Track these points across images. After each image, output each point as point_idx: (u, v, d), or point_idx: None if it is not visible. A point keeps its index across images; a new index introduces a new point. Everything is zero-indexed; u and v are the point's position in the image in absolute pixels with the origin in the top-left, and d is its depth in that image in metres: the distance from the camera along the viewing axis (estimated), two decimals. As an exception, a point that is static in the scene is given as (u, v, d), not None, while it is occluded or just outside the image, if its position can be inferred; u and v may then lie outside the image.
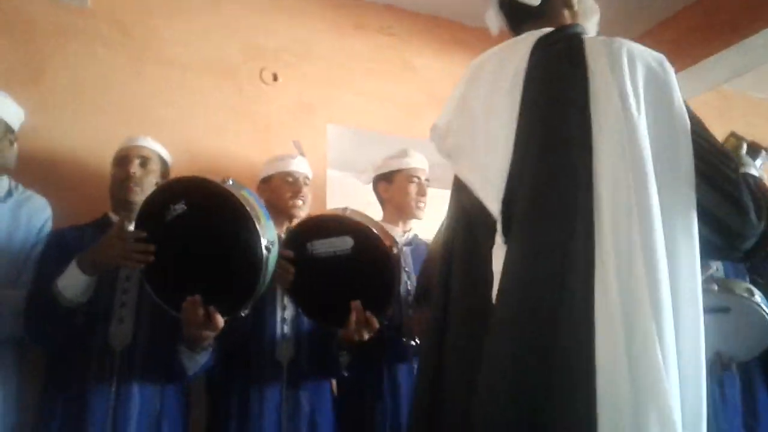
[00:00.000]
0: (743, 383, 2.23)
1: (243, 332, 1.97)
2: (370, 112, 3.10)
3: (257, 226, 1.68)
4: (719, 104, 4.14)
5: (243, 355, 2.00)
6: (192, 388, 2.05)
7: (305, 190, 2.29)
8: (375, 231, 1.86)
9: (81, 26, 2.58)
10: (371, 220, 1.95)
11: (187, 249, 1.73)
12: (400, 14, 3.32)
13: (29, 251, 1.94)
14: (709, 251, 1.14)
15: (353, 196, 2.92)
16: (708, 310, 1.11)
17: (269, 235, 1.72)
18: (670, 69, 1.19)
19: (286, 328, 2.06)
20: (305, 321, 2.07)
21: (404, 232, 2.42)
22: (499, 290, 1.12)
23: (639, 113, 1.13)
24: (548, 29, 1.32)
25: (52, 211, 2.06)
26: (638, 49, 1.20)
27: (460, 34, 3.41)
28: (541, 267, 1.09)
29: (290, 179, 2.28)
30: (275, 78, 2.91)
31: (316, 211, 2.59)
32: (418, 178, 2.41)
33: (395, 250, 1.87)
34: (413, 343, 2.04)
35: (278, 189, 2.28)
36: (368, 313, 1.84)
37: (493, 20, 1.46)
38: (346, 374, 2.04)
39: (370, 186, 2.54)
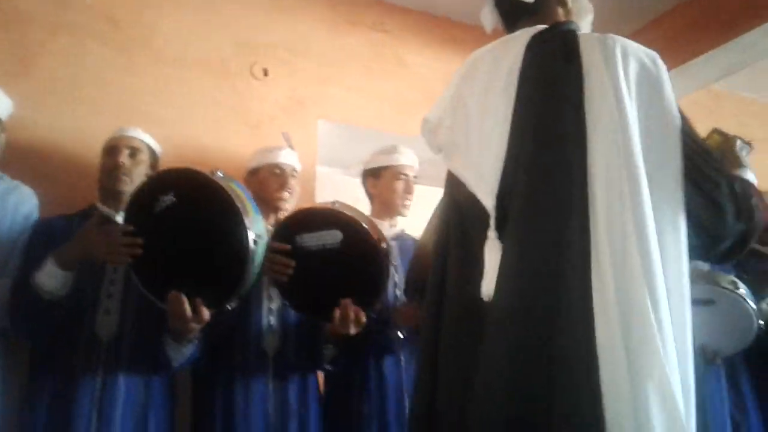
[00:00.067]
0: (728, 377, 2.24)
1: (229, 325, 1.97)
2: (361, 109, 3.10)
3: (245, 219, 1.67)
4: (710, 103, 4.15)
5: (229, 346, 2.00)
6: (178, 380, 2.05)
7: (292, 182, 2.29)
8: (364, 225, 1.86)
9: (72, 19, 2.57)
10: (361, 214, 1.95)
11: (175, 241, 1.72)
12: (394, 11, 3.31)
13: (16, 239, 1.93)
14: (688, 250, 1.15)
15: (343, 193, 2.91)
16: (693, 301, 1.11)
17: (257, 228, 1.72)
18: (663, 66, 1.20)
19: (272, 319, 2.06)
20: (292, 312, 2.07)
21: (391, 226, 2.43)
22: (495, 288, 1.13)
23: (631, 110, 1.14)
24: (542, 26, 1.33)
25: (39, 202, 2.05)
26: (632, 45, 1.21)
27: (453, 31, 3.41)
28: (538, 264, 1.10)
29: (277, 171, 2.28)
30: (266, 73, 2.90)
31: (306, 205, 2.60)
32: (406, 175, 2.41)
33: (384, 245, 1.87)
34: (400, 334, 2.04)
35: (265, 181, 2.27)
36: (356, 308, 1.83)
37: (488, 18, 1.47)
38: (330, 368, 2.05)
39: (359, 182, 2.53)
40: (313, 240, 1.86)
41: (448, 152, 1.36)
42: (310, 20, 3.08)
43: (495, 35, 1.45)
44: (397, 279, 2.25)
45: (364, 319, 1.85)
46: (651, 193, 1.10)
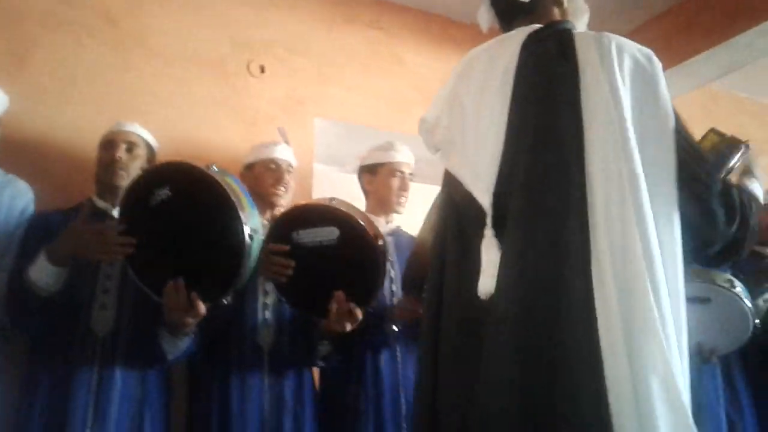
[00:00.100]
0: (724, 375, 2.25)
1: (225, 319, 1.96)
2: (358, 107, 3.10)
3: (240, 213, 1.67)
4: (706, 102, 4.16)
5: (224, 341, 2.00)
6: (174, 375, 2.05)
7: (288, 177, 2.29)
8: (361, 222, 1.86)
9: (68, 15, 2.56)
10: (358, 210, 1.95)
11: (171, 235, 1.72)
12: (391, 9, 3.31)
13: (11, 234, 1.93)
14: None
15: (339, 191, 2.91)
16: (688, 299, 1.12)
17: (253, 223, 1.72)
18: (658, 64, 1.21)
19: (268, 314, 2.06)
20: (287, 307, 2.07)
21: (387, 223, 2.42)
22: (496, 289, 1.13)
23: (627, 107, 1.14)
24: (538, 25, 1.34)
25: (35, 197, 2.05)
26: (627, 43, 1.22)
27: (450, 30, 3.41)
28: (538, 264, 1.10)
29: (273, 166, 2.28)
30: (263, 70, 2.90)
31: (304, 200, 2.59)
32: (402, 172, 2.40)
33: (381, 242, 1.87)
34: (395, 328, 2.04)
35: (261, 176, 2.27)
36: (351, 305, 1.83)
37: (484, 17, 1.47)
38: (325, 364, 2.05)
39: (356, 179, 2.53)
40: (309, 236, 1.86)
41: (445, 151, 1.36)
42: (307, 18, 3.07)
43: (491, 34, 1.45)
44: (392, 275, 2.25)
45: (359, 315, 1.85)
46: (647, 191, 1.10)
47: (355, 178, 2.55)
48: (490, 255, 1.17)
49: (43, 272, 1.74)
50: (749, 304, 2.01)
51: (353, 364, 2.14)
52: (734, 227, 1.20)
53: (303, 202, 2.01)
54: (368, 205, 2.47)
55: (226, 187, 1.68)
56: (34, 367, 1.84)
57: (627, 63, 1.18)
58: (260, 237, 1.78)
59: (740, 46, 3.14)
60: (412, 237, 2.33)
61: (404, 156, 2.43)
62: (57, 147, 2.39)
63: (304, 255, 1.86)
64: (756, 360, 2.35)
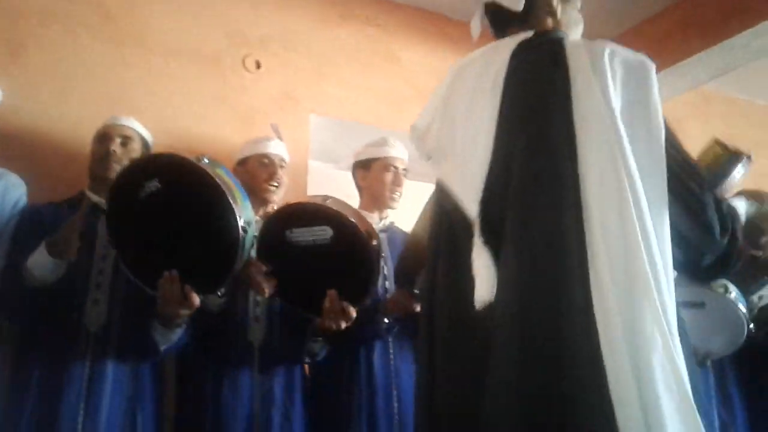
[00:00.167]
0: (716, 378, 2.27)
1: (218, 312, 1.96)
2: (353, 104, 3.09)
3: (234, 205, 1.66)
4: (700, 104, 4.18)
5: (214, 337, 1.99)
6: (166, 370, 2.05)
7: (281, 172, 2.28)
8: (355, 222, 1.86)
9: (64, 9, 2.55)
10: (352, 210, 1.95)
11: (162, 228, 1.71)
12: (387, 6, 3.30)
13: (4, 226, 1.92)
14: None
15: (334, 188, 2.90)
16: (683, 304, 1.12)
17: (246, 215, 1.71)
18: (651, 71, 1.20)
19: (258, 311, 2.06)
20: (278, 303, 2.07)
21: (381, 219, 2.42)
22: (496, 297, 1.13)
23: (618, 112, 1.14)
24: (530, 33, 1.33)
25: (28, 190, 2.04)
26: (619, 50, 1.21)
27: (446, 27, 3.40)
28: (536, 268, 1.10)
29: (266, 161, 2.28)
30: (258, 66, 2.89)
31: (298, 198, 2.59)
32: (395, 167, 2.40)
33: (375, 242, 1.87)
34: (386, 321, 2.04)
35: (253, 171, 2.27)
36: (345, 303, 1.83)
37: (477, 24, 1.47)
38: (317, 360, 2.05)
39: (350, 175, 2.53)
40: (303, 235, 1.86)
41: (436, 159, 1.37)
42: (303, 14, 3.07)
43: (484, 38, 1.45)
44: (386, 271, 2.25)
45: (353, 314, 1.85)
46: None
47: (350, 175, 2.54)
48: (482, 264, 1.17)
49: (41, 263, 1.74)
50: (744, 309, 2.03)
51: (346, 359, 2.15)
52: (726, 239, 1.20)
53: (297, 200, 2.00)
54: (362, 201, 2.46)
55: (217, 180, 1.67)
56: (25, 362, 1.84)
57: (619, 70, 1.18)
58: (253, 229, 1.77)
59: (734, 48, 3.15)
60: (405, 233, 2.33)
61: (398, 151, 2.43)
62: (51, 141, 2.38)
63: (297, 254, 1.86)
64: (749, 362, 2.37)
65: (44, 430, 1.74)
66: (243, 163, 2.32)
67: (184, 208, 1.69)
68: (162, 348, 1.84)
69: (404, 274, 1.87)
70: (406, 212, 2.38)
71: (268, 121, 2.78)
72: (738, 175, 1.53)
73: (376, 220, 2.38)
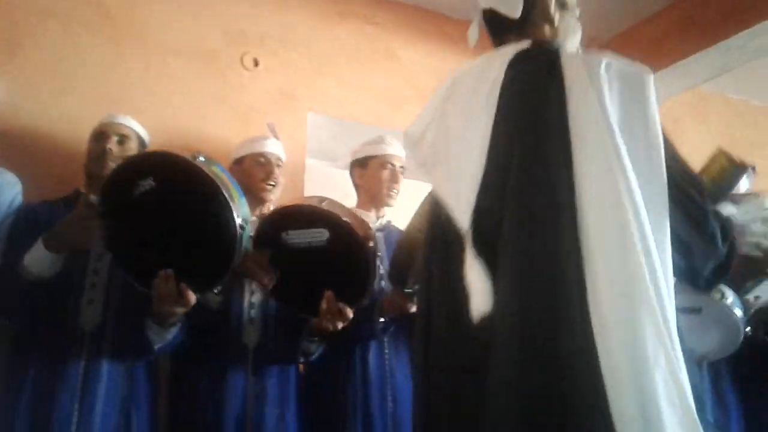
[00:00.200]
0: (711, 379, 2.28)
1: (217, 310, 1.96)
2: (351, 102, 3.09)
3: (230, 203, 1.65)
4: (697, 104, 4.18)
5: (209, 338, 1.99)
6: (161, 369, 2.04)
7: (277, 172, 2.28)
8: (351, 225, 1.85)
9: (62, 6, 2.54)
10: (349, 212, 1.94)
11: (158, 226, 1.70)
12: (386, 4, 3.30)
13: None
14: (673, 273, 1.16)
15: (332, 186, 2.91)
16: (680, 309, 1.12)
17: (243, 213, 1.70)
18: (649, 81, 1.20)
19: (254, 313, 2.05)
20: (272, 306, 2.07)
21: (378, 218, 2.42)
22: (496, 312, 1.13)
23: (615, 124, 1.14)
24: (526, 43, 1.34)
25: (24, 188, 2.04)
26: (616, 61, 1.22)
27: (445, 26, 3.40)
28: (534, 278, 1.11)
29: (262, 160, 2.27)
30: (256, 64, 2.89)
31: (294, 200, 2.58)
32: (392, 164, 2.40)
33: (371, 244, 1.87)
34: (382, 320, 2.05)
35: (250, 170, 2.26)
36: (341, 304, 1.83)
37: (475, 30, 1.47)
38: (313, 360, 2.05)
39: (348, 174, 2.53)
40: (299, 237, 1.85)
41: (429, 168, 1.38)
42: (302, 12, 3.06)
43: (484, 38, 1.46)
44: (382, 270, 2.24)
45: (349, 315, 1.85)
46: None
47: (347, 173, 2.54)
48: (476, 277, 1.17)
49: (39, 258, 1.74)
50: (740, 314, 2.04)
51: (341, 358, 2.14)
52: (726, 247, 1.21)
53: (293, 201, 2.00)
54: (359, 200, 2.46)
55: (214, 178, 1.66)
56: (20, 361, 1.83)
57: (615, 81, 1.18)
58: (249, 227, 1.76)
59: (731, 49, 3.15)
60: (402, 232, 2.33)
61: (395, 149, 2.43)
62: (49, 139, 2.37)
63: (293, 255, 1.85)
64: (746, 363, 2.38)
65: (39, 429, 1.74)
66: (239, 162, 2.32)
67: (179, 206, 1.68)
68: (157, 347, 1.83)
69: (397, 273, 1.88)
70: (403, 211, 2.38)
71: (266, 119, 2.77)
72: (743, 187, 1.54)
73: (373, 219, 2.38)
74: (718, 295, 2.02)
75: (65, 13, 2.53)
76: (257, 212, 2.20)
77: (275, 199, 2.28)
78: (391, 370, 2.16)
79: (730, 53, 3.20)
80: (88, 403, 1.78)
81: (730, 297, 2.03)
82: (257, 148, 2.30)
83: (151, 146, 2.19)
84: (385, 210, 2.46)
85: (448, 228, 1.27)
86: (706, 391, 2.21)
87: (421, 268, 1.39)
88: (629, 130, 1.15)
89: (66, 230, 1.74)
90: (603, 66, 1.19)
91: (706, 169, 1.58)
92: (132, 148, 2.07)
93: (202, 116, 2.70)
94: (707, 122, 4.25)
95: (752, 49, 3.17)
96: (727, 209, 1.43)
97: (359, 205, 2.44)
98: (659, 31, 3.41)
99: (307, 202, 1.94)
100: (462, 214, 1.22)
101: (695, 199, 1.18)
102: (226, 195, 1.65)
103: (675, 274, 1.12)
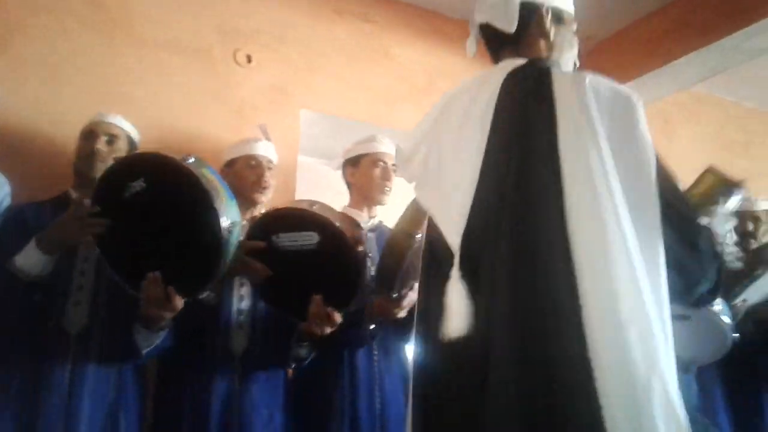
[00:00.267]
0: (698, 382, 2.30)
1: (204, 315, 1.95)
2: (345, 99, 3.08)
3: (217, 206, 1.64)
4: (689, 104, 4.20)
5: (196, 345, 1.98)
6: (149, 373, 2.04)
7: (268, 174, 2.27)
8: (342, 229, 1.85)
9: (53, -2, 2.52)
10: (339, 215, 1.94)
11: (146, 228, 1.69)
12: (381, 2, 3.28)
13: None
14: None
15: (324, 183, 2.91)
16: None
17: (231, 215, 1.68)
18: (637, 104, 1.21)
19: (242, 319, 2.04)
20: (261, 312, 2.06)
21: (370, 218, 2.41)
22: (493, 337, 1.13)
23: (606, 148, 1.15)
24: (521, 61, 1.34)
25: (14, 187, 2.02)
26: (604, 84, 1.22)
27: (440, 24, 3.39)
28: (531, 308, 1.11)
29: (253, 163, 2.27)
30: (249, 60, 2.87)
31: (286, 197, 2.57)
32: (384, 162, 2.39)
33: (361, 248, 1.86)
34: (371, 327, 2.04)
35: (241, 172, 2.26)
36: (329, 308, 1.83)
37: (473, 44, 1.48)
38: (298, 365, 2.04)
39: (341, 174, 2.53)
40: (289, 240, 1.85)
41: (420, 184, 1.39)
42: (295, 8, 3.05)
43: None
44: (372, 271, 2.25)
45: (338, 319, 1.84)
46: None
47: (339, 172, 2.54)
48: (455, 297, 1.18)
49: (32, 259, 1.73)
50: (728, 321, 2.06)
51: (329, 361, 2.13)
52: (718, 265, 1.22)
53: (284, 205, 1.99)
54: (352, 199, 2.46)
55: (201, 179, 1.65)
56: (5, 364, 1.81)
57: (605, 103, 1.19)
58: (238, 230, 1.75)
59: (725, 50, 3.16)
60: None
61: (387, 147, 2.42)
62: (38, 135, 2.35)
63: (283, 259, 1.85)
64: (732, 368, 2.41)
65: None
66: (231, 164, 2.31)
67: (168, 208, 1.67)
68: (144, 351, 1.82)
69: (384, 278, 1.87)
70: (395, 210, 2.38)
71: (259, 115, 2.77)
72: (732, 204, 1.55)
73: (365, 219, 2.38)
74: None
75: (57, 6, 2.51)
76: (248, 215, 2.19)
77: (266, 201, 2.27)
78: (380, 372, 2.16)
79: (723, 54, 3.21)
80: (74, 406, 1.77)
81: (718, 304, 2.05)
82: (248, 151, 2.29)
83: (143, 142, 2.18)
84: (377, 210, 2.45)
85: (437, 245, 1.28)
86: (694, 397, 2.23)
87: (422, 281, 1.39)
88: (619, 152, 1.15)
89: (59, 231, 1.73)
90: (592, 89, 1.19)
91: (694, 186, 1.58)
92: (121, 148, 2.05)
93: (194, 112, 2.69)
94: (699, 123, 4.26)
95: (746, 50, 3.18)
96: (703, 222, 1.44)
97: (352, 204, 2.43)
98: (652, 32, 3.42)
99: (298, 206, 1.93)
100: (452, 235, 1.23)
101: (687, 218, 1.19)
102: (214, 197, 1.64)
103: (670, 292, 1.13)
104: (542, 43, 1.39)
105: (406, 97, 3.21)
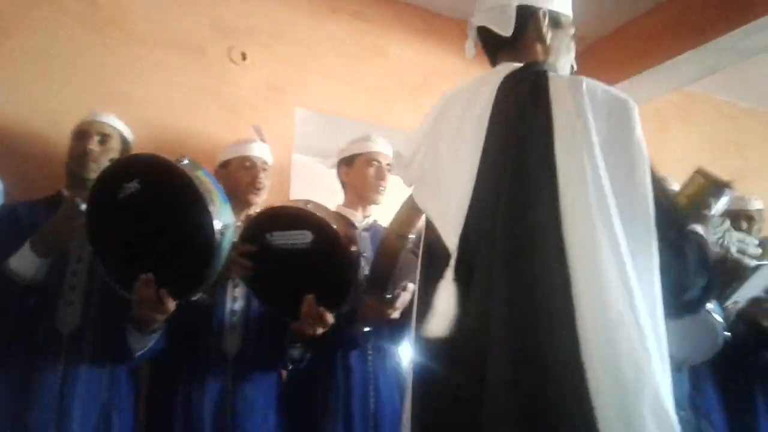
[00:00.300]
0: (691, 381, 2.31)
1: (197, 317, 1.95)
2: (339, 97, 3.08)
3: (210, 208, 1.63)
4: (684, 104, 4.22)
5: (189, 346, 1.97)
6: (142, 377, 2.03)
7: (262, 176, 2.26)
8: (335, 228, 1.84)
9: (47, -6, 2.50)
10: (333, 215, 1.94)
11: (140, 229, 1.69)
12: (376, 0, 3.28)
13: None
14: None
15: (318, 182, 2.90)
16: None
17: (224, 218, 1.68)
18: (633, 110, 1.21)
19: (235, 320, 2.04)
20: (254, 313, 2.05)
21: (364, 217, 2.41)
22: (491, 338, 1.14)
23: (600, 153, 1.15)
24: (517, 65, 1.34)
25: (7, 186, 1.99)
26: (602, 89, 1.22)
27: (434, 23, 3.40)
28: (526, 310, 1.12)
29: (247, 164, 2.26)
30: (244, 57, 2.87)
31: (280, 196, 2.57)
32: (379, 161, 2.39)
33: (354, 248, 1.86)
34: (365, 329, 2.04)
35: (235, 174, 2.25)
36: (321, 309, 1.82)
37: (471, 46, 1.48)
38: (296, 366, 2.03)
39: (335, 173, 2.52)
40: (283, 239, 1.84)
41: (418, 187, 1.40)
42: (291, 6, 3.04)
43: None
44: (366, 271, 2.24)
45: (330, 320, 1.84)
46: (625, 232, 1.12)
47: (334, 170, 2.53)
48: (444, 299, 1.18)
49: (26, 262, 1.72)
50: (720, 319, 2.06)
51: (323, 361, 2.13)
52: (706, 274, 1.23)
53: (278, 204, 1.99)
54: (346, 198, 2.46)
55: (196, 181, 1.64)
56: None
57: (601, 108, 1.19)
58: (232, 233, 1.75)
59: (719, 49, 3.17)
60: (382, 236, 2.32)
61: (380, 146, 2.42)
62: (31, 132, 2.34)
63: (277, 257, 1.85)
64: (725, 366, 2.41)
65: (16, 432, 1.72)
66: (225, 165, 2.30)
67: (162, 210, 1.67)
68: (137, 354, 1.81)
69: (377, 279, 1.87)
70: (390, 210, 2.37)
71: (254, 113, 2.77)
72: (722, 205, 1.55)
73: (359, 218, 2.38)
74: None
75: (51, 4, 2.50)
76: (243, 216, 2.18)
77: (261, 203, 2.26)
78: (374, 373, 2.15)
79: (718, 54, 3.21)
80: (66, 406, 1.76)
81: (710, 303, 2.05)
82: (243, 152, 2.28)
83: (137, 140, 2.17)
84: (371, 209, 2.45)
85: (437, 247, 1.28)
86: (686, 395, 2.24)
87: (420, 282, 1.39)
88: (614, 157, 1.16)
89: (52, 231, 1.73)
90: (588, 94, 1.19)
91: (684, 188, 1.59)
92: (114, 148, 2.04)
93: (188, 110, 2.68)
94: (693, 122, 4.28)
95: (740, 50, 3.19)
96: (694, 229, 1.44)
97: (346, 203, 2.43)
98: (647, 31, 3.42)
99: (292, 204, 1.93)
100: (449, 237, 1.23)
101: (677, 225, 1.20)
102: (207, 200, 1.63)
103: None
104: (539, 47, 1.39)
105: (402, 95, 3.22)
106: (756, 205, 2.93)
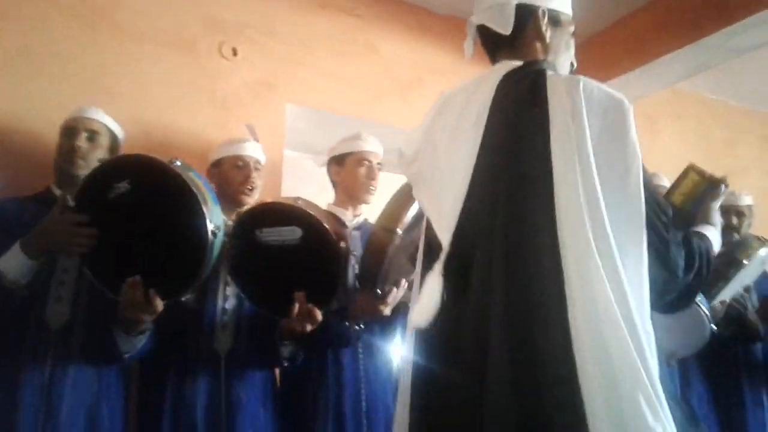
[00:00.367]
0: (681, 376, 2.32)
1: (186, 317, 1.93)
2: (330, 94, 3.07)
3: (203, 209, 1.63)
4: (674, 102, 4.23)
5: (180, 343, 1.96)
6: (133, 376, 2.02)
7: (255, 175, 2.25)
8: (325, 224, 1.84)
9: (35, -14, 2.47)
10: (322, 212, 1.94)
11: (130, 229, 1.68)
12: (367, -4, 3.28)
13: None
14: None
15: (309, 178, 2.89)
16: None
17: (216, 219, 1.68)
18: (629, 112, 1.21)
19: (226, 319, 2.02)
20: (245, 312, 2.05)
21: (354, 216, 2.41)
22: (491, 337, 1.14)
23: (591, 155, 1.16)
24: (516, 63, 1.35)
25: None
26: (597, 88, 1.23)
27: (426, 20, 3.39)
28: (522, 307, 1.13)
29: (240, 164, 2.24)
30: (235, 53, 2.85)
31: (271, 193, 2.56)
32: (369, 161, 2.39)
33: (343, 244, 1.85)
34: (357, 327, 2.04)
35: (227, 173, 2.24)
36: (310, 305, 1.82)
37: (470, 45, 1.48)
38: (288, 365, 2.02)
39: (325, 171, 2.52)
40: (272, 235, 1.83)
41: (417, 183, 1.40)
42: (282, 1, 3.02)
43: (456, 24, 1.47)
44: (357, 269, 2.24)
45: (319, 317, 1.83)
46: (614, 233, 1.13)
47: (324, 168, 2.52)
48: (430, 290, 1.20)
49: (16, 263, 1.70)
50: (706, 311, 2.07)
51: (315, 360, 2.13)
52: (691, 276, 1.24)
53: (268, 200, 1.98)
54: (337, 197, 2.45)
55: (189, 182, 1.64)
56: None
57: (597, 108, 1.19)
58: (222, 233, 1.74)
59: (710, 47, 3.19)
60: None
61: (371, 145, 2.42)
62: (19, 129, 2.32)
63: (266, 253, 1.84)
64: (712, 359, 2.43)
65: (2, 429, 1.70)
66: (217, 164, 2.28)
67: (153, 210, 1.66)
68: (126, 356, 1.80)
69: (367, 275, 1.86)
70: (380, 208, 2.37)
71: (244, 109, 2.75)
72: (716, 201, 1.56)
73: (349, 217, 2.38)
74: None
75: (39, -4, 2.47)
76: (234, 216, 2.16)
77: (253, 202, 2.24)
78: (366, 370, 2.15)
79: (708, 52, 3.23)
80: (53, 403, 1.74)
81: (698, 296, 2.07)
82: (235, 151, 2.27)
83: (126, 136, 2.16)
84: (362, 208, 2.44)
85: (435, 245, 1.29)
86: (676, 388, 2.25)
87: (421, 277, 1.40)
88: (608, 157, 1.17)
89: (45, 238, 1.71)
90: (585, 94, 1.20)
91: (677, 185, 1.59)
92: (102, 144, 2.02)
93: (178, 105, 2.66)
94: (683, 121, 4.30)
95: (730, 48, 3.21)
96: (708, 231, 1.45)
97: (337, 202, 2.42)
98: (637, 29, 3.43)
99: (282, 200, 1.92)
100: (443, 232, 1.24)
101: (659, 230, 1.20)
102: (200, 201, 1.63)
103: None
104: (538, 45, 1.39)
105: (392, 91, 3.21)
106: (746, 200, 2.94)
